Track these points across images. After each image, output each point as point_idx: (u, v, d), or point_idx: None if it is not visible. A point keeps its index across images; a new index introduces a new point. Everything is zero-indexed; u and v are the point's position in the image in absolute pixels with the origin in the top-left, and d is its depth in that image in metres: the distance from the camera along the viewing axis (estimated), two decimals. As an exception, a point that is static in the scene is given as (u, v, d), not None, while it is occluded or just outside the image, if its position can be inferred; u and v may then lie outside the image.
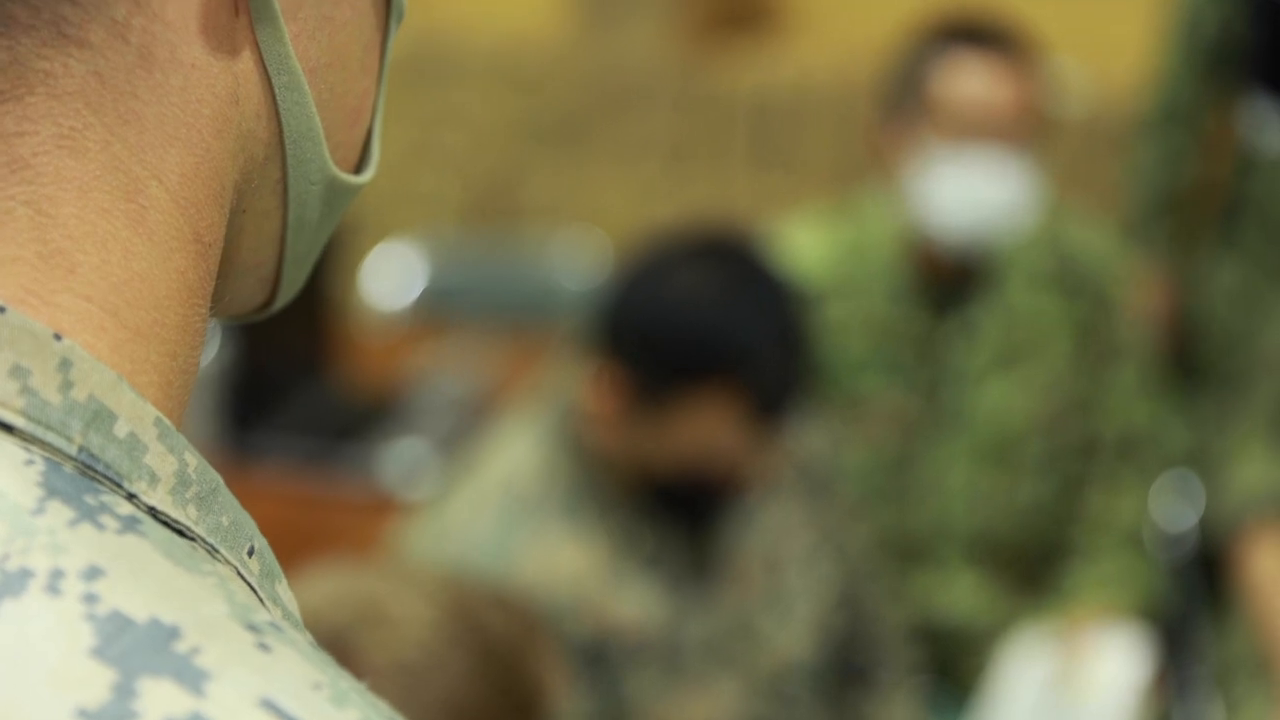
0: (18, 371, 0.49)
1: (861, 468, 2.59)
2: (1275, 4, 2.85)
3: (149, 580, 0.47)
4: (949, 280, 2.58)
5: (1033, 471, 2.62)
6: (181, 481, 0.51)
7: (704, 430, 1.93)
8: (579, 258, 3.62)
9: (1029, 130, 2.48)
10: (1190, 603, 2.67)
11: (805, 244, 2.56)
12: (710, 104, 4.04)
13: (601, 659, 1.98)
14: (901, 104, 2.50)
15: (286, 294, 0.61)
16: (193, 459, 0.51)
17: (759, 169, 4.10)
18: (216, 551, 0.51)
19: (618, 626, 1.99)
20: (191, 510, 0.51)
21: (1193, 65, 3.04)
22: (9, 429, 0.48)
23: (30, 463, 0.48)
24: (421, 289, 3.55)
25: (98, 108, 0.51)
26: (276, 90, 0.55)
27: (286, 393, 2.82)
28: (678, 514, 2.03)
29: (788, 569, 2.14)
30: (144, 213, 0.52)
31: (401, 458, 2.74)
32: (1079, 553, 2.64)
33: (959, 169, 2.46)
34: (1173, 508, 2.74)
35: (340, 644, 1.16)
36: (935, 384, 2.59)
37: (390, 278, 3.55)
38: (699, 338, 1.91)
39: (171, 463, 0.51)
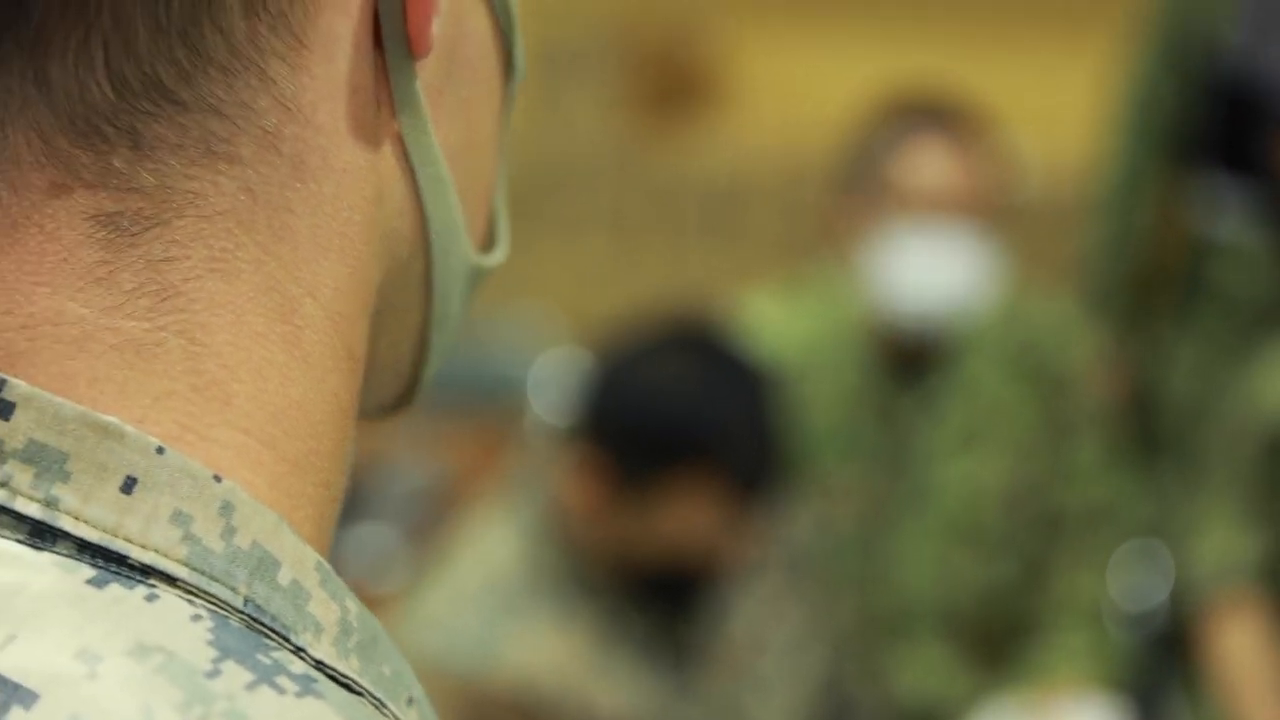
0: (179, 518, 0.46)
1: (825, 545, 2.57)
2: (1232, 86, 2.86)
3: None
4: (910, 359, 2.57)
5: (996, 548, 2.61)
6: (344, 630, 0.48)
7: (683, 513, 1.95)
8: (530, 337, 3.60)
9: (988, 210, 2.48)
10: (1161, 674, 2.66)
11: (771, 319, 2.54)
12: (655, 180, 4.04)
13: None
14: (858, 184, 2.50)
15: (425, 389, 0.58)
16: (353, 605, 0.49)
17: (708, 245, 4.09)
18: (384, 706, 0.48)
19: (606, 717, 1.97)
20: (354, 661, 0.48)
21: (1147, 144, 3.04)
22: (172, 580, 0.46)
23: (197, 618, 0.45)
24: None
25: (250, 226, 0.49)
26: (421, 183, 0.52)
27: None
28: (660, 601, 2.02)
29: (770, 652, 2.12)
30: (299, 334, 0.49)
31: (365, 546, 2.70)
32: (1045, 627, 2.63)
33: (917, 250, 2.45)
34: (1140, 579, 2.73)
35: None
36: (898, 461, 2.57)
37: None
38: (674, 423, 1.95)
39: (334, 610, 0.48)
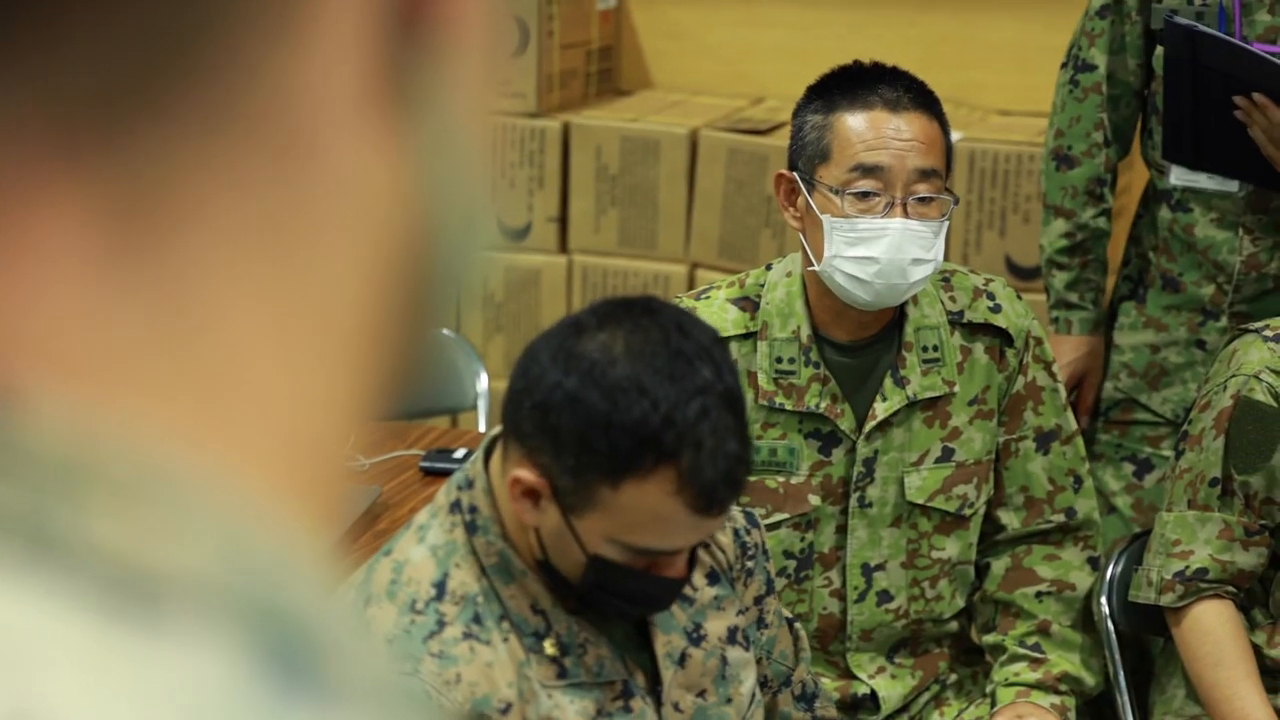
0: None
1: (771, 551, 2.48)
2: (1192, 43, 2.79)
3: None
4: (856, 347, 2.47)
5: (947, 544, 2.53)
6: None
7: (648, 519, 1.74)
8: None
9: (936, 176, 2.38)
10: (1115, 674, 2.60)
11: (712, 312, 2.45)
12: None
13: None
14: (805, 155, 2.40)
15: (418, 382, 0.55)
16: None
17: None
18: None
19: None
20: None
21: (1105, 109, 2.98)
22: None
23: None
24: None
25: (253, 223, 0.46)
26: (423, 173, 0.49)
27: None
28: (605, 613, 1.89)
29: (722, 646, 2.01)
30: (306, 331, 0.47)
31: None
32: (1025, 617, 2.56)
33: (864, 228, 2.36)
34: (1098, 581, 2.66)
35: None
36: (844, 460, 2.48)
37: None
38: (638, 426, 1.69)
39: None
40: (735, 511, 2.09)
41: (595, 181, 4.10)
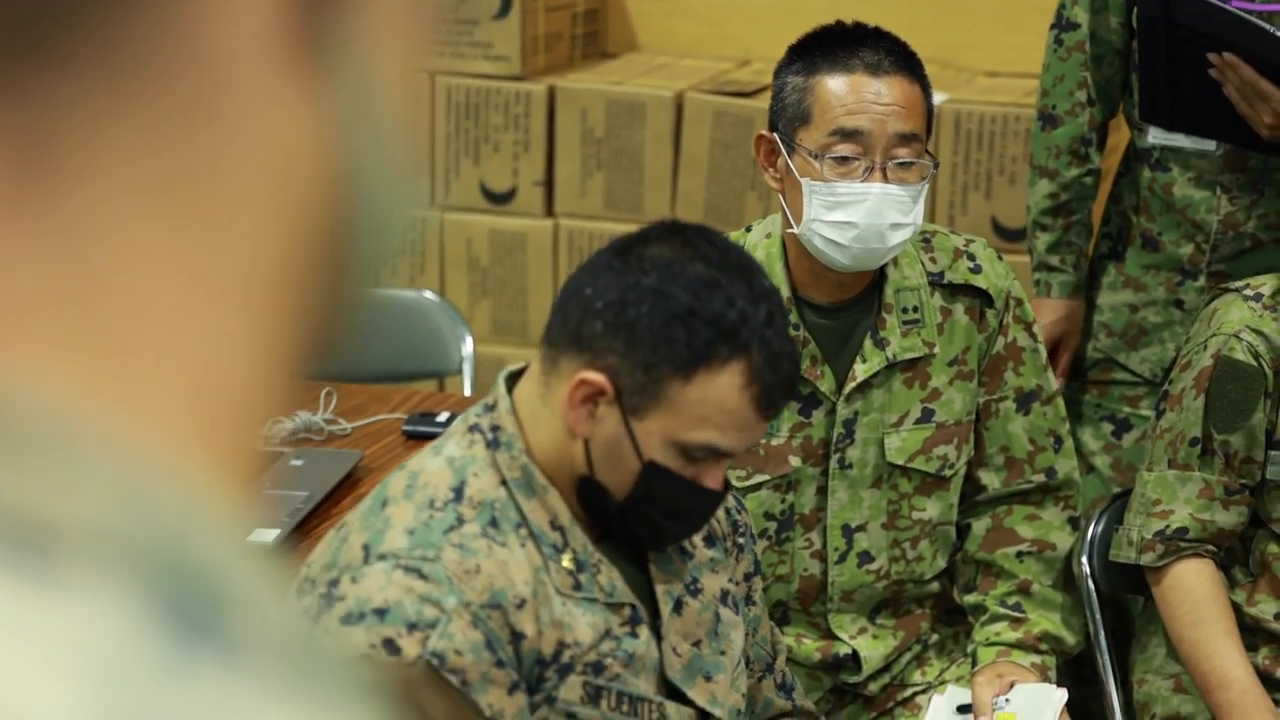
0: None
1: (750, 513, 2.49)
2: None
3: None
4: (836, 309, 2.47)
5: (928, 505, 2.54)
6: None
7: (714, 412, 1.79)
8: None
9: (917, 140, 2.37)
10: (1095, 633, 2.61)
11: None
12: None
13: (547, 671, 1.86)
14: (785, 117, 2.39)
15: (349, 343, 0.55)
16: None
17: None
18: None
19: (570, 640, 1.86)
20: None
21: (1089, 68, 2.98)
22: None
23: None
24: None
25: (161, 178, 0.45)
26: (342, 129, 0.48)
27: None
28: (637, 536, 1.91)
29: (715, 604, 2.02)
30: (217, 289, 0.46)
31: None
32: (1006, 577, 2.56)
33: (843, 193, 2.35)
34: (1078, 541, 2.66)
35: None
36: (824, 422, 2.48)
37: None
38: (718, 318, 1.77)
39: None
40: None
41: (581, 145, 4.09)
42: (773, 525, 2.50)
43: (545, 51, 4.16)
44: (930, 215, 3.86)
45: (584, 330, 1.81)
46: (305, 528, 2.61)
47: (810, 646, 2.55)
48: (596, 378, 1.80)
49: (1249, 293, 2.47)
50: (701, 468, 1.85)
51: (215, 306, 0.46)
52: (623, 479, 1.84)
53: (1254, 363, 2.43)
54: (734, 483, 2.47)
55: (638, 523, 1.88)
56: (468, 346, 3.60)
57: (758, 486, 2.48)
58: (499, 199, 4.14)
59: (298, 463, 2.86)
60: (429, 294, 3.73)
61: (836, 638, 2.56)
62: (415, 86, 0.52)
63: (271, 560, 0.45)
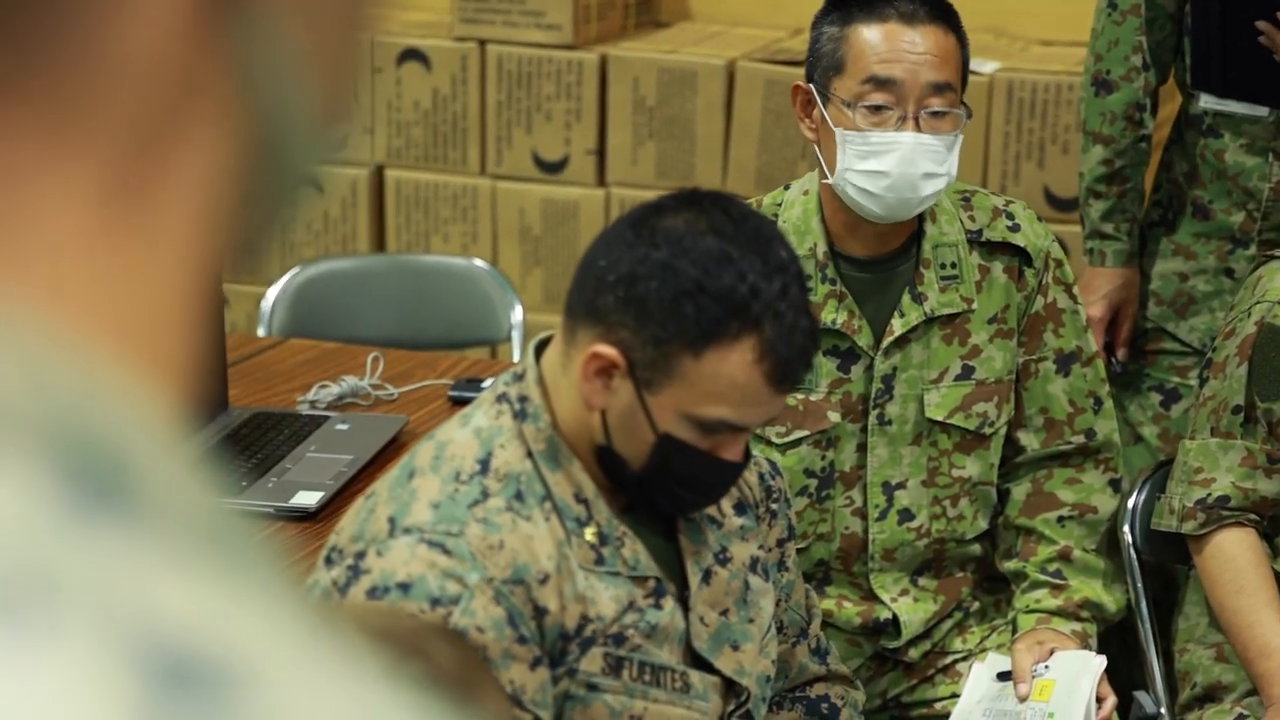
0: None
1: (790, 469, 2.49)
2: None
3: None
4: (874, 263, 2.47)
5: (968, 466, 2.53)
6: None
7: (726, 388, 1.77)
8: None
9: (950, 90, 2.36)
10: (1136, 602, 2.60)
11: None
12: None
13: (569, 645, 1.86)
14: (820, 67, 2.40)
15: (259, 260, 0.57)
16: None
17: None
18: None
19: (592, 614, 1.86)
20: None
21: (1143, 32, 2.95)
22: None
23: None
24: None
25: (68, 102, 0.46)
26: (253, 53, 0.49)
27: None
28: (658, 505, 1.90)
29: (745, 572, 2.02)
30: (128, 211, 0.47)
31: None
32: (1047, 541, 2.56)
33: (875, 141, 2.35)
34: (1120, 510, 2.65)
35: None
36: (863, 377, 2.48)
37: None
38: (727, 293, 1.74)
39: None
40: (761, 458, 2.12)
41: (633, 114, 4.09)
42: (813, 482, 2.50)
43: (597, 20, 4.16)
44: (982, 184, 3.84)
45: (598, 302, 1.80)
46: (348, 491, 2.62)
47: (851, 611, 2.55)
48: (609, 351, 1.79)
49: (1294, 259, 2.45)
50: (719, 440, 1.83)
51: (129, 225, 0.47)
52: (639, 450, 1.83)
53: (1298, 330, 2.41)
54: (774, 439, 2.48)
55: (656, 493, 1.87)
56: (518, 315, 3.61)
57: (798, 442, 2.48)
58: (551, 168, 4.14)
59: (343, 427, 2.87)
60: (479, 262, 3.74)
61: (878, 600, 2.55)
62: (356, 36, 0.53)
63: (183, 439, 0.46)
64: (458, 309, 3.65)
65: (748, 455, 1.90)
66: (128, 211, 0.47)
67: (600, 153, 4.11)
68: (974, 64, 3.86)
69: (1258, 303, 2.45)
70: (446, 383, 3.11)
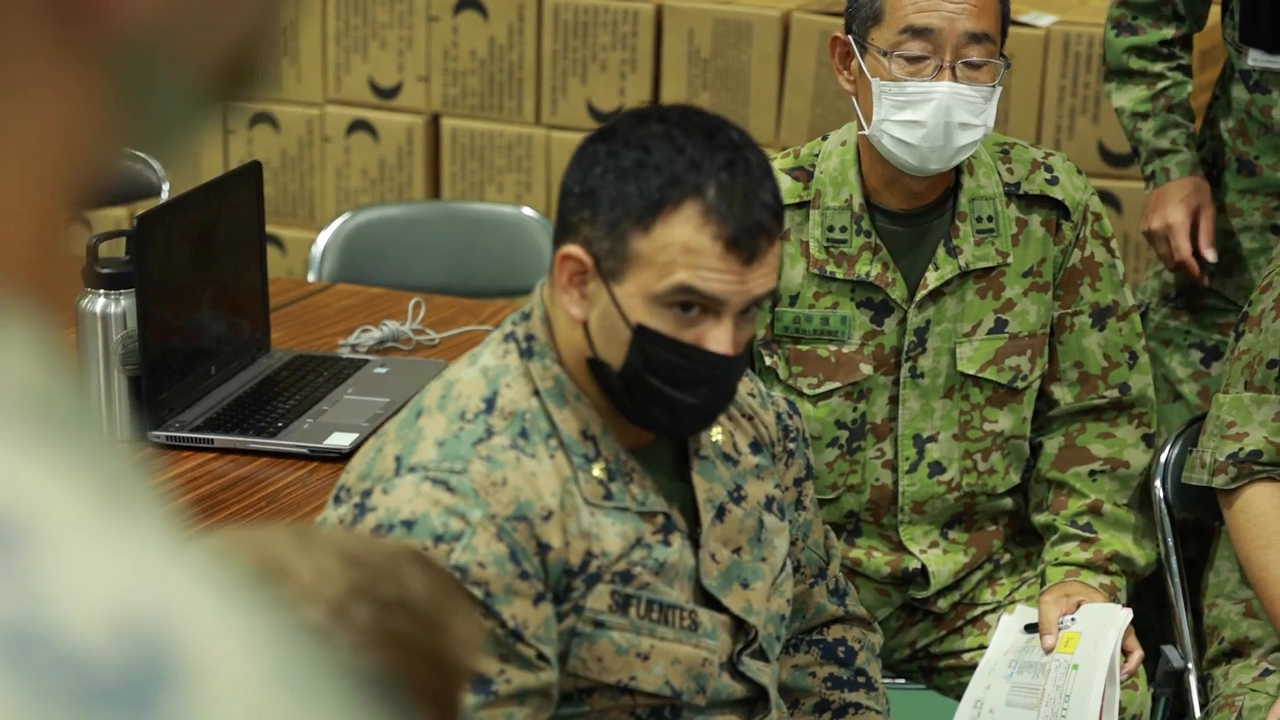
0: None
1: (821, 421, 2.49)
2: None
3: None
4: (909, 215, 2.47)
5: (1000, 418, 2.53)
6: None
7: (680, 254, 1.77)
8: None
9: (988, 40, 2.35)
10: (1166, 556, 2.59)
11: None
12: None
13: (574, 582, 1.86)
14: (859, 17, 2.39)
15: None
16: None
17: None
18: None
19: (597, 550, 1.86)
20: None
21: None
22: None
23: None
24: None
25: None
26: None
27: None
28: (655, 418, 1.88)
29: (760, 510, 2.02)
30: None
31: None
32: (1078, 495, 2.55)
33: (911, 91, 2.35)
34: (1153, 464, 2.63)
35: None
36: (896, 330, 2.48)
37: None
38: (666, 164, 1.77)
39: None
40: (779, 397, 2.12)
41: (688, 65, 4.08)
42: (844, 434, 2.50)
43: (654, -29, 4.16)
44: (1037, 139, 3.82)
45: (565, 215, 1.83)
46: (383, 433, 2.65)
47: (880, 560, 2.55)
48: (575, 250, 1.81)
49: (1334, 214, 2.43)
50: (700, 329, 1.81)
51: None
52: (619, 351, 1.83)
53: (1335, 284, 2.39)
54: (805, 390, 2.48)
55: (645, 396, 1.84)
56: (566, 263, 3.61)
57: (829, 394, 2.48)
58: (605, 118, 4.14)
59: (382, 370, 2.89)
60: (528, 211, 3.75)
61: (907, 551, 2.55)
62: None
63: (40, 339, 0.47)
64: (506, 257, 3.67)
65: (749, 355, 1.88)
66: None
67: (655, 103, 4.11)
68: (1030, 17, 3.84)
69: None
70: (487, 328, 3.12)
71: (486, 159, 4.25)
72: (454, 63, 4.25)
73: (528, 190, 4.21)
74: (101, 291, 2.60)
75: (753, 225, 1.78)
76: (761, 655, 2.00)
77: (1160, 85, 2.93)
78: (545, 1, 4.14)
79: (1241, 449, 2.45)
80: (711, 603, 1.95)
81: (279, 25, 0.57)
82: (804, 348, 2.48)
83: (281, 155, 4.40)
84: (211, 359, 2.78)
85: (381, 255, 3.62)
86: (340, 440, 2.61)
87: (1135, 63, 2.95)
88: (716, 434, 2.00)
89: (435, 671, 1.11)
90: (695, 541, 1.95)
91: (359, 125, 4.33)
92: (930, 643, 2.62)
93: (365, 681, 1.02)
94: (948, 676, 2.62)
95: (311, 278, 3.56)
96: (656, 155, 1.77)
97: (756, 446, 2.05)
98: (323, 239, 3.61)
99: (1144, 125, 2.95)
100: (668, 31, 4.08)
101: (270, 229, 4.43)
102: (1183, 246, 2.86)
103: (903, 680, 2.68)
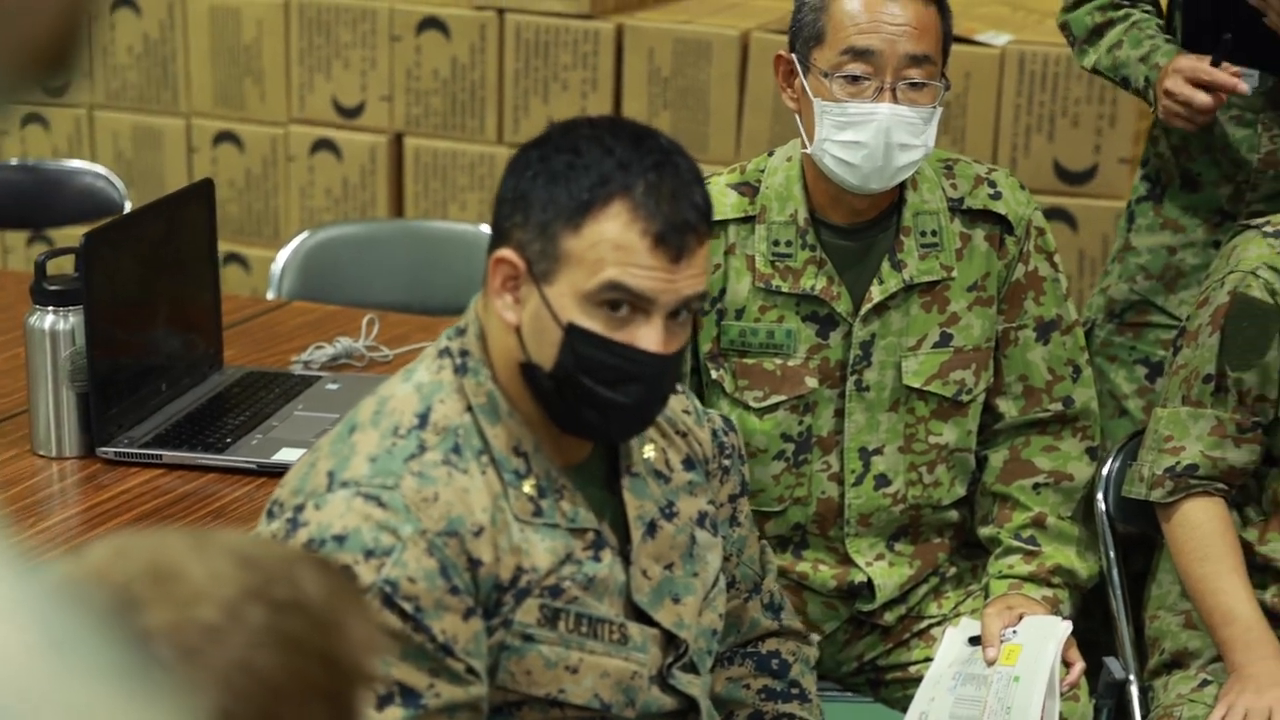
0: None
1: (767, 434, 2.50)
2: None
3: None
4: (854, 230, 2.49)
5: (944, 430, 2.55)
6: None
7: (609, 251, 1.78)
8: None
9: (929, 62, 2.37)
10: (1108, 569, 2.60)
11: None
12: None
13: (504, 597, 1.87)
14: (801, 37, 2.41)
15: None
16: None
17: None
18: None
19: (527, 565, 1.88)
20: None
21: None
22: None
23: None
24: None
25: None
26: None
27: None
28: (587, 423, 1.88)
29: (691, 526, 2.03)
30: None
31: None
32: (1020, 508, 2.57)
33: (853, 112, 2.37)
34: (1095, 478, 2.65)
35: (121, 601, 1.05)
36: (841, 344, 2.49)
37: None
38: (595, 165, 1.79)
39: None
40: (715, 414, 2.14)
41: (648, 84, 4.11)
42: (790, 447, 2.52)
43: (614, -10, 4.18)
44: (993, 156, 3.84)
45: (498, 221, 1.86)
46: (334, 448, 2.66)
47: (826, 573, 2.57)
48: (507, 254, 1.83)
49: (1269, 229, 2.45)
50: (630, 329, 1.82)
51: None
52: (550, 351, 1.83)
53: (1270, 300, 2.41)
54: (751, 403, 2.49)
55: (578, 400, 1.85)
56: (527, 281, 3.63)
57: (775, 407, 2.50)
58: (567, 137, 4.16)
59: (334, 386, 2.91)
60: (487, 228, 3.76)
61: (853, 564, 2.57)
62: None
63: None
64: (465, 274, 3.68)
65: (682, 355, 1.89)
66: None
67: (615, 122, 4.13)
68: (986, 36, 3.87)
69: (1231, 272, 2.45)
70: (442, 345, 3.14)
71: (449, 178, 4.27)
72: (417, 82, 4.27)
73: (490, 209, 4.23)
74: (50, 308, 2.61)
75: (681, 222, 1.80)
76: (692, 668, 2.01)
77: (1131, 19, 2.91)
78: (507, 21, 4.16)
79: (1178, 463, 2.47)
80: (642, 617, 1.96)
81: (94, 12, 0.58)
82: (750, 361, 2.50)
83: (246, 174, 4.42)
84: (163, 375, 2.79)
85: (341, 273, 3.64)
86: (289, 455, 2.62)
87: (1100, 16, 2.93)
88: (649, 451, 2.01)
89: (331, 673, 1.12)
90: (626, 557, 1.96)
91: (322, 144, 4.35)
92: (877, 656, 2.63)
93: (134, 649, 1.02)
94: (894, 689, 2.64)
95: (270, 295, 3.58)
96: (586, 157, 1.80)
97: (690, 463, 2.06)
98: (282, 257, 3.62)
99: (1120, 52, 2.90)
100: (628, 51, 4.11)
101: (234, 247, 4.45)
102: (1194, 96, 2.77)
103: (850, 693, 2.70)
